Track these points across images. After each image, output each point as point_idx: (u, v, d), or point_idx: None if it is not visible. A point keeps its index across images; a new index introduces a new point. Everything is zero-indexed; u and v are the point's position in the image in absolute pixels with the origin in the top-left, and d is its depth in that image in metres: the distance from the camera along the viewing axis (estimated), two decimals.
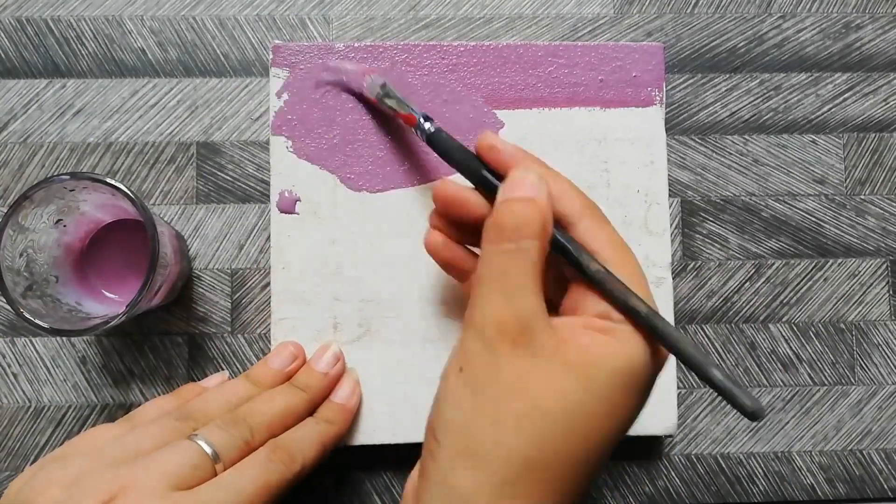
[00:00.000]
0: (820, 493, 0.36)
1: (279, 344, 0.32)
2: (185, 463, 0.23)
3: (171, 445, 0.24)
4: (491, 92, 0.34)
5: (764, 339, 0.37)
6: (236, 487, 0.23)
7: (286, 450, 0.26)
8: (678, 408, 0.36)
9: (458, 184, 0.26)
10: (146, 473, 0.22)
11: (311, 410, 0.30)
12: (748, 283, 0.37)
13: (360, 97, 0.33)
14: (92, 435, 0.25)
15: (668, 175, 0.36)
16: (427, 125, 0.29)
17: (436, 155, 0.29)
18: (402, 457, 0.35)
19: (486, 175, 0.26)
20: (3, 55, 0.36)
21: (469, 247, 0.28)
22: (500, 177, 0.25)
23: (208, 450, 0.24)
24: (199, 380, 0.35)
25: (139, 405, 0.35)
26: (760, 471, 0.36)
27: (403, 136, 0.33)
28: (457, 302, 0.33)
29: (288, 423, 0.28)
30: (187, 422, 0.26)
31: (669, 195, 0.37)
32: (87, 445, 0.25)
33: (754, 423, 0.36)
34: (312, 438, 0.28)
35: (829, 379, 0.37)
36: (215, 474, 0.24)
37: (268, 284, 0.36)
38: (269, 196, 0.36)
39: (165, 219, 0.36)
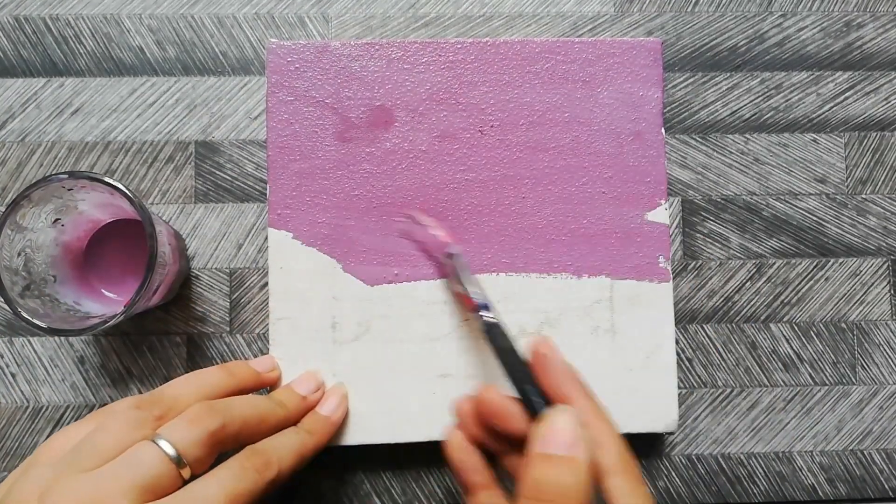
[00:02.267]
0: (821, 493, 0.36)
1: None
2: (146, 474, 0.22)
3: (132, 452, 0.23)
4: (488, 90, 0.34)
5: (765, 339, 0.36)
6: (203, 497, 0.23)
7: (263, 456, 0.26)
8: (678, 408, 0.36)
9: (502, 394, 0.27)
10: (111, 488, 0.22)
11: (283, 427, 0.29)
12: (749, 283, 0.37)
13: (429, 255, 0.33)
14: (64, 435, 0.25)
15: (669, 175, 0.36)
16: (484, 315, 0.29)
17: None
18: (402, 457, 0.35)
19: (530, 393, 0.26)
20: (1, 54, 0.36)
21: (488, 450, 0.28)
22: (542, 391, 0.26)
23: (171, 451, 0.23)
24: None
25: None
26: (761, 471, 0.36)
27: (398, 145, 0.33)
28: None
29: (262, 428, 0.27)
30: (151, 410, 0.25)
31: (670, 195, 0.37)
32: (55, 450, 0.24)
33: (755, 423, 0.36)
34: (291, 447, 0.28)
35: (830, 379, 0.36)
36: (181, 476, 0.23)
37: (266, 284, 0.35)
38: (266, 195, 0.36)
39: (164, 218, 0.36)
